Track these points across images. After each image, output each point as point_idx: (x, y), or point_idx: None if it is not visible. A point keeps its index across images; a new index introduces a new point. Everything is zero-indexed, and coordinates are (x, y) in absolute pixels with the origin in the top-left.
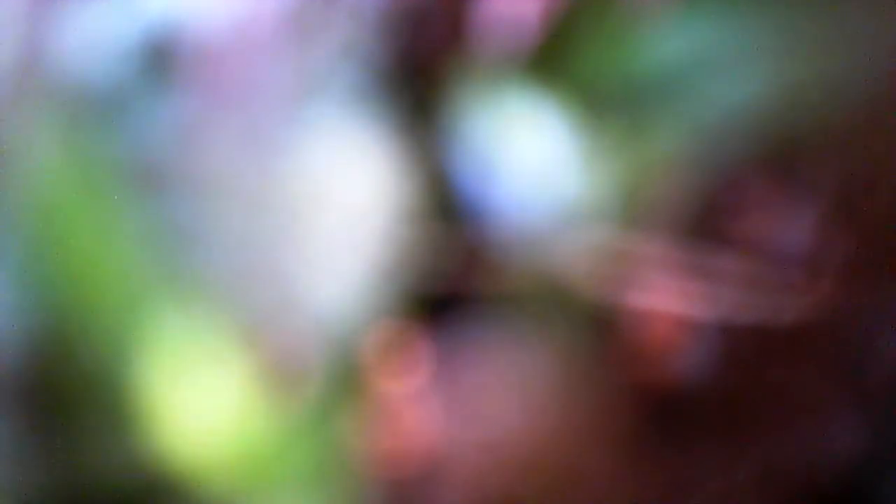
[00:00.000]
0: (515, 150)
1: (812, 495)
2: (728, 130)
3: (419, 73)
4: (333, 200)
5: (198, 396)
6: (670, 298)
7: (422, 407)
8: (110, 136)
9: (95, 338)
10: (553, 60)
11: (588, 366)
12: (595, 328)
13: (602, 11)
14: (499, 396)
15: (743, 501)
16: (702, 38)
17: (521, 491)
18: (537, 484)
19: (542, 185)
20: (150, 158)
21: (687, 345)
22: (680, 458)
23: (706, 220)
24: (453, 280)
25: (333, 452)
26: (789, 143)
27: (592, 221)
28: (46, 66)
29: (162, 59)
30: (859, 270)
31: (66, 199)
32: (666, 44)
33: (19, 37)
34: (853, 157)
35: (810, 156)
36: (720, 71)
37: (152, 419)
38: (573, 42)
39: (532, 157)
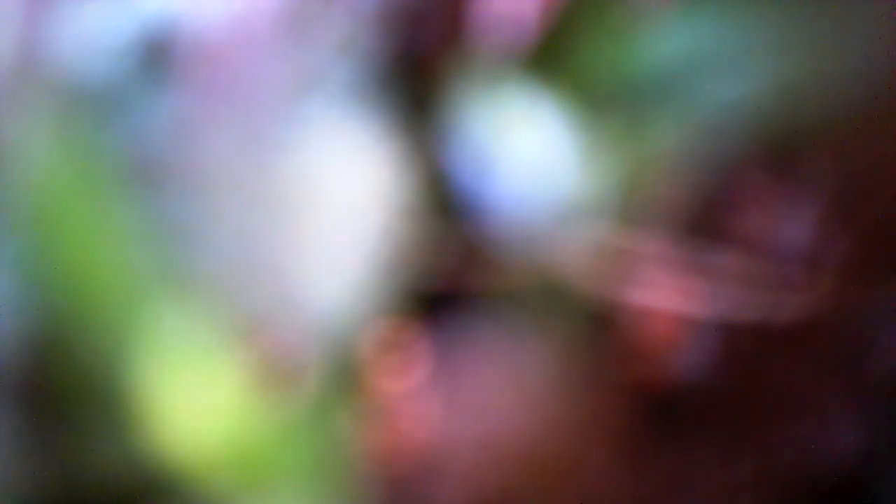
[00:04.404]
0: (514, 146)
1: (811, 493)
2: (727, 127)
3: (417, 70)
4: (331, 197)
5: (195, 393)
6: (669, 296)
7: (419, 404)
8: (108, 133)
9: (92, 334)
10: (551, 57)
11: (586, 363)
12: (593, 325)
13: (601, 8)
14: (497, 393)
15: (741, 499)
16: (701, 36)
17: (518, 488)
18: (535, 481)
19: (540, 182)
20: (147, 155)
21: (685, 342)
22: (678, 455)
23: (705, 217)
24: (451, 277)
25: (331, 449)
26: (789, 140)
27: (591, 218)
28: (44, 63)
29: (159, 56)
30: (859, 268)
31: (64, 196)
32: (665, 41)
33: (16, 33)
34: (853, 154)
35: (810, 153)
36: (719, 68)
37: (150, 416)
38: (572, 39)
39: (530, 154)
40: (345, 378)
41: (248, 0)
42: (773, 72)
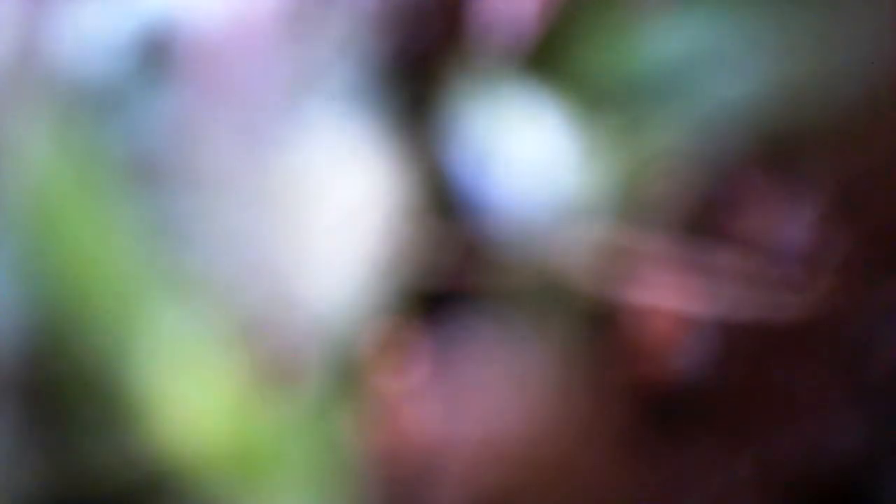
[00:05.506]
0: (513, 146)
1: (811, 492)
2: (727, 126)
3: (417, 70)
4: (331, 197)
5: (195, 392)
6: (669, 295)
7: (419, 403)
8: (107, 132)
9: (91, 334)
10: (551, 56)
11: (586, 362)
12: (593, 324)
13: (601, 7)
14: (496, 393)
15: (742, 499)
16: (701, 34)
17: (518, 487)
18: (535, 480)
19: (539, 182)
20: (146, 154)
21: (685, 341)
22: (678, 454)
23: (705, 216)
24: (451, 276)
25: (331, 449)
26: (789, 139)
27: (591, 218)
28: (42, 62)
29: (159, 55)
30: (859, 267)
31: (62, 195)
32: (665, 39)
33: (15, 32)
34: (853, 153)
35: (810, 152)
36: (719, 67)
37: (149, 415)
38: (571, 38)
39: (530, 154)
40: (345, 377)
41: (248, 0)
42: (773, 72)
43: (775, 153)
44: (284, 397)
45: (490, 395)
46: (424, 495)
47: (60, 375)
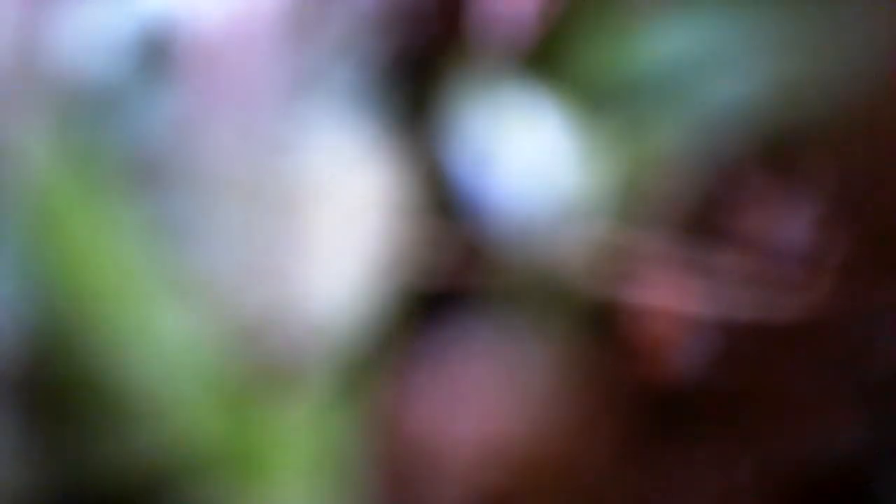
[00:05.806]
0: (513, 146)
1: (811, 492)
2: (727, 126)
3: (417, 70)
4: (331, 196)
5: (195, 393)
6: (669, 295)
7: (419, 403)
8: (107, 132)
9: (92, 334)
10: (551, 56)
11: (586, 362)
12: (593, 324)
13: (601, 8)
14: (496, 392)
15: (742, 498)
16: (701, 35)
17: (518, 487)
18: (535, 480)
19: (539, 181)
20: (147, 154)
21: (685, 341)
22: (678, 454)
23: (705, 216)
24: (451, 276)
25: (331, 449)
26: (789, 139)
27: (590, 217)
28: (43, 62)
29: (159, 55)
30: (859, 267)
31: (63, 195)
32: (665, 40)
33: (16, 33)
34: (852, 153)
35: (810, 152)
36: (719, 67)
37: (149, 415)
38: (571, 38)
39: (530, 154)
40: (345, 377)
41: (248, 0)
42: (773, 72)
43: (775, 153)
44: (284, 397)
45: (490, 395)
46: (424, 495)
47: (60, 375)
